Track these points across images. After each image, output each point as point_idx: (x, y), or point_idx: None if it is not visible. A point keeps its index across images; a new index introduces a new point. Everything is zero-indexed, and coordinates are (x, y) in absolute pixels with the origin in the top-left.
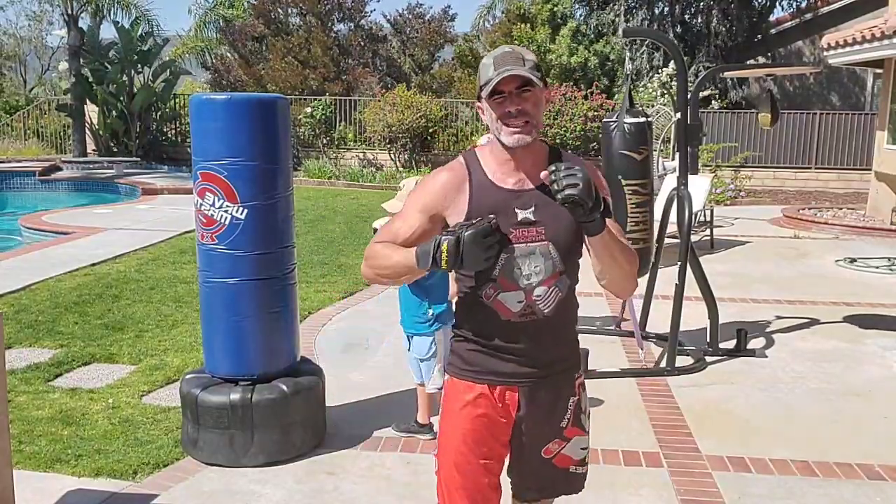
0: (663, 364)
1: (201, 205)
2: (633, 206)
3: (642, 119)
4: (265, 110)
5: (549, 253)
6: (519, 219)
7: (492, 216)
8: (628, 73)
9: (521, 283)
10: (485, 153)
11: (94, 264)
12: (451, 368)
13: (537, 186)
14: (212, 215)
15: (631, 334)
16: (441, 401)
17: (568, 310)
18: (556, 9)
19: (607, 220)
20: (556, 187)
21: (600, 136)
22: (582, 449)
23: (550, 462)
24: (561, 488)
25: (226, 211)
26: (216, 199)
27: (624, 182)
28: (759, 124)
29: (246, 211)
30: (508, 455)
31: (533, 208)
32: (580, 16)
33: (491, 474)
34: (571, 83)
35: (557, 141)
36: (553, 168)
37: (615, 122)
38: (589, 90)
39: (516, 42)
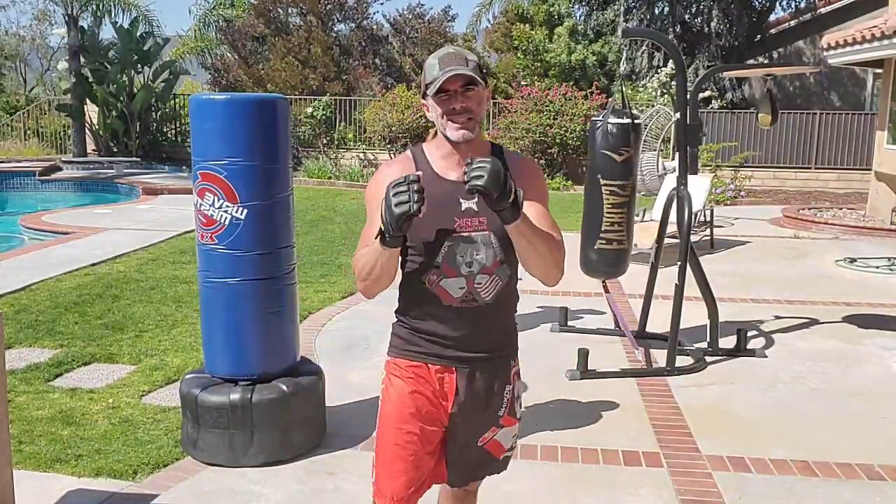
0: (662, 364)
1: (201, 205)
2: (610, 206)
3: (626, 120)
4: (265, 110)
5: (491, 242)
6: (463, 208)
7: (418, 173)
8: (623, 72)
9: (462, 271)
10: (430, 147)
11: (94, 264)
12: (392, 350)
13: None
14: (211, 215)
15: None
16: (383, 380)
17: (508, 298)
18: (552, 9)
19: (532, 210)
20: (465, 178)
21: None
22: (513, 437)
23: (483, 448)
24: (490, 470)
25: (226, 211)
26: (216, 199)
27: (603, 182)
28: (758, 124)
29: (246, 211)
30: (441, 441)
31: (476, 199)
32: (580, 15)
33: (427, 443)
34: (571, 83)
35: (557, 140)
36: (468, 161)
37: (601, 121)
38: (589, 90)
39: (516, 42)
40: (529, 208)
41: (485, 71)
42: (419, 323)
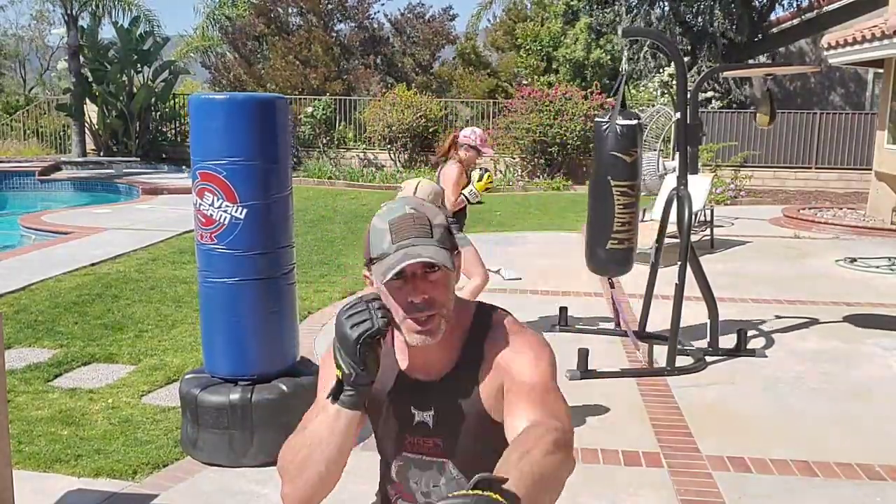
0: (662, 363)
1: (200, 205)
2: (621, 206)
3: (634, 121)
4: (265, 110)
5: (450, 472)
6: (414, 423)
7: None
8: (623, 72)
9: (418, 499)
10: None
11: (93, 264)
12: None
13: (442, 378)
14: (211, 215)
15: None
16: None
17: None
18: (572, 2)
19: (523, 403)
20: None
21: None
22: None
23: None
24: None
25: (225, 211)
26: (215, 198)
27: (613, 182)
28: (756, 124)
29: (245, 211)
30: None
31: (432, 411)
32: (586, 13)
33: None
34: (579, 80)
35: (557, 140)
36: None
37: (607, 122)
38: (589, 90)
39: (519, 41)
40: (519, 402)
41: (452, 235)
42: None
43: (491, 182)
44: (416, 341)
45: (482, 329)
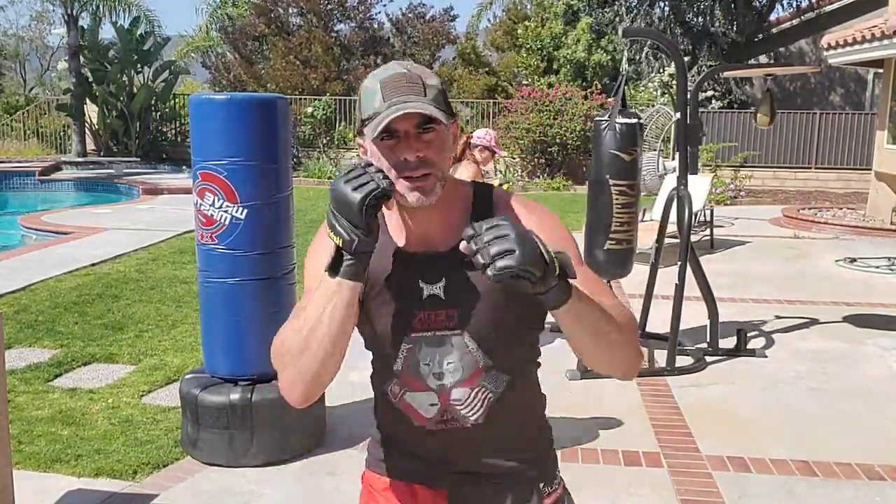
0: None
1: (201, 205)
2: (620, 206)
3: (634, 120)
4: (265, 110)
5: (466, 345)
6: (424, 296)
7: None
8: (624, 72)
9: (430, 384)
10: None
11: (94, 264)
12: (368, 459)
13: (450, 250)
14: (211, 215)
15: None
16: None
17: (513, 411)
18: (572, 2)
19: (575, 278)
20: (481, 260)
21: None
22: None
23: None
24: None
25: (225, 211)
26: (216, 199)
27: (612, 182)
28: (756, 124)
29: (246, 211)
30: None
31: (443, 282)
32: (587, 13)
33: None
34: (581, 80)
35: (557, 140)
36: (471, 233)
37: (607, 121)
38: (589, 90)
39: (520, 41)
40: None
41: (449, 99)
42: (394, 441)
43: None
44: (413, 199)
45: (485, 201)
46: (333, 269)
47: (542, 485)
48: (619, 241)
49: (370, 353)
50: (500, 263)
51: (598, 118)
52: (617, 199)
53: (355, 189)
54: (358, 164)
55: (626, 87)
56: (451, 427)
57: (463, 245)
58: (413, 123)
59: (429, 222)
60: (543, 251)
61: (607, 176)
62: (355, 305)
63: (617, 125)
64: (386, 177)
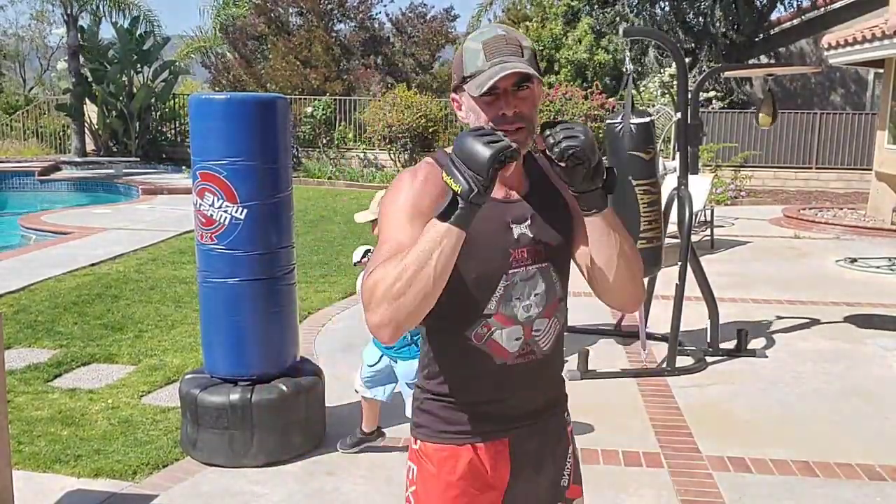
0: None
1: (200, 205)
2: (646, 205)
3: (648, 119)
4: (265, 110)
5: (551, 276)
6: (515, 235)
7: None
8: (629, 72)
9: (519, 317)
10: None
11: (93, 264)
12: (424, 431)
13: (525, 196)
14: (211, 215)
15: (631, 334)
16: (410, 475)
17: (561, 345)
18: (573, 3)
19: (613, 194)
20: (551, 140)
21: (604, 137)
22: None
23: None
24: None
25: (225, 211)
26: (215, 199)
27: (634, 182)
28: (758, 124)
29: (245, 211)
30: None
31: (529, 221)
32: (587, 14)
33: None
34: (581, 81)
35: None
36: (548, 132)
37: (620, 122)
38: (589, 90)
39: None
40: None
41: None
42: (460, 393)
43: None
44: None
45: (529, 155)
46: (446, 214)
47: (565, 414)
48: (648, 239)
49: (445, 308)
50: (566, 143)
51: (609, 121)
52: (642, 198)
53: (487, 144)
54: (482, 126)
55: (631, 87)
56: (529, 360)
57: (538, 138)
58: (511, 82)
59: (510, 171)
60: (598, 149)
61: (629, 177)
62: (458, 252)
63: (632, 126)
64: (515, 139)
